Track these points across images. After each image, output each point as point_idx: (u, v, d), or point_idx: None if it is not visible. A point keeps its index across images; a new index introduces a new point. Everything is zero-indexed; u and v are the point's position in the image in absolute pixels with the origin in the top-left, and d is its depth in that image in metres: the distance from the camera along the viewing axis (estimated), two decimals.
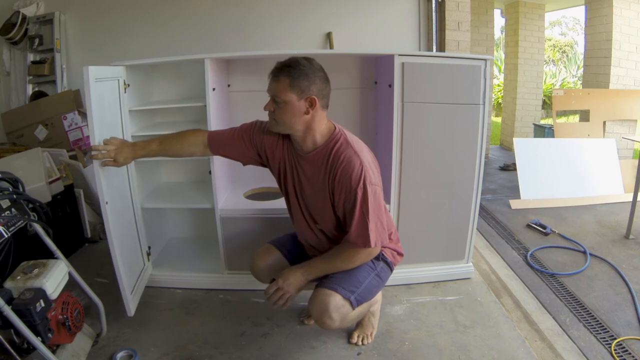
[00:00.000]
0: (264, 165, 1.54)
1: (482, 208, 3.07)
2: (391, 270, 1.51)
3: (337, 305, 1.33)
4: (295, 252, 1.60)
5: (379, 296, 1.61)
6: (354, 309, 1.36)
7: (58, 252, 1.48)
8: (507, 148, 5.45)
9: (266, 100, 2.42)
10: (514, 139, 3.55)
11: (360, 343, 1.60)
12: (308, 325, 1.74)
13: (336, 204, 1.35)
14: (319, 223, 1.46)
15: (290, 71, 1.29)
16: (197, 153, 1.54)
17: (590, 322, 1.75)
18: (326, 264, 1.39)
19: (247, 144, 1.50)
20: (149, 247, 1.99)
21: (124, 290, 1.59)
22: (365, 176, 1.27)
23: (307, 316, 1.77)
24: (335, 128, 1.40)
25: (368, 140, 2.28)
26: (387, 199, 1.94)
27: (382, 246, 1.40)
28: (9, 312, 1.16)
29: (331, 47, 3.25)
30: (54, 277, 1.34)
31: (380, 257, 1.46)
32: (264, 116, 2.36)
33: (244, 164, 1.57)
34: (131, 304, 1.63)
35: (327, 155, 1.35)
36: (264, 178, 2.34)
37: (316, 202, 1.42)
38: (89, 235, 2.57)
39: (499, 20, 6.96)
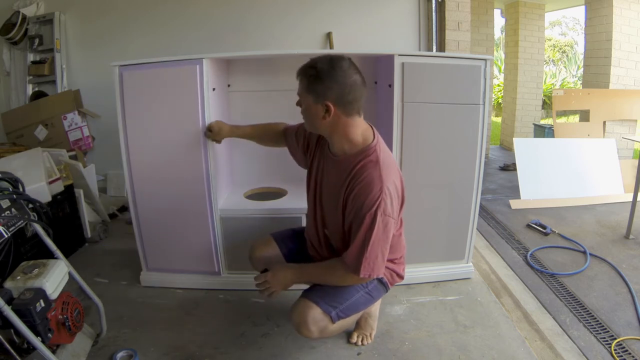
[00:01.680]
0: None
1: (482, 208, 3.07)
2: (386, 290, 1.47)
3: (316, 318, 1.31)
4: (294, 250, 1.60)
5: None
6: (333, 323, 1.35)
7: (58, 252, 1.47)
8: (507, 148, 5.45)
9: (266, 99, 2.44)
10: (514, 139, 3.55)
11: (360, 343, 1.60)
12: None
13: (346, 218, 1.30)
14: (328, 228, 1.43)
15: (307, 73, 1.25)
16: (280, 144, 1.67)
17: (590, 322, 1.75)
18: (317, 275, 1.38)
19: (297, 142, 1.57)
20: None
21: None
22: (379, 205, 1.20)
23: None
24: (373, 140, 1.31)
25: None
26: None
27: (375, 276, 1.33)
28: (9, 312, 1.16)
29: (331, 47, 3.25)
30: (54, 277, 1.34)
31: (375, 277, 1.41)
32: (264, 116, 2.37)
33: (304, 166, 1.59)
34: None
35: (351, 166, 1.28)
36: (264, 178, 2.35)
37: (330, 206, 1.39)
38: (89, 235, 2.57)
39: (499, 20, 6.96)
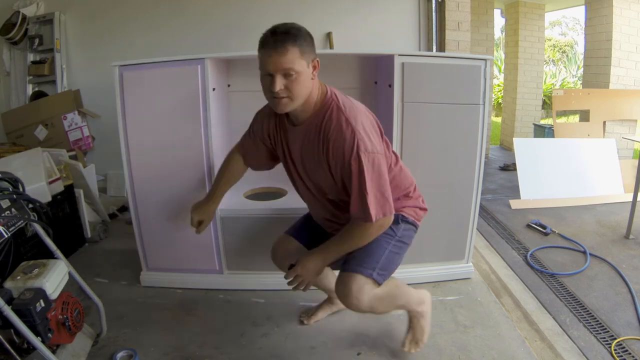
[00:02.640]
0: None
1: (482, 208, 3.07)
2: (416, 228, 1.43)
3: (360, 285, 1.27)
4: (313, 236, 1.52)
5: (427, 297, 1.53)
6: (379, 284, 1.30)
7: (58, 252, 1.47)
8: (507, 148, 5.45)
9: (266, 99, 2.42)
10: (514, 139, 3.55)
11: (412, 350, 1.51)
12: (308, 325, 1.74)
13: (335, 177, 1.26)
14: (328, 193, 1.36)
15: (296, 38, 1.16)
16: (246, 167, 1.62)
17: (590, 322, 1.75)
18: (341, 245, 1.32)
19: (260, 144, 1.50)
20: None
21: None
22: (358, 146, 1.17)
23: (307, 316, 1.76)
24: (327, 92, 1.28)
25: None
26: None
27: (395, 211, 1.29)
28: (9, 312, 1.16)
29: (331, 47, 3.25)
30: (54, 277, 1.34)
31: (400, 219, 1.37)
32: None
33: (279, 163, 1.52)
34: None
35: (318, 126, 1.25)
36: (264, 178, 2.34)
37: (317, 174, 1.33)
38: (89, 235, 2.57)
39: (499, 20, 6.96)
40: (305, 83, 1.21)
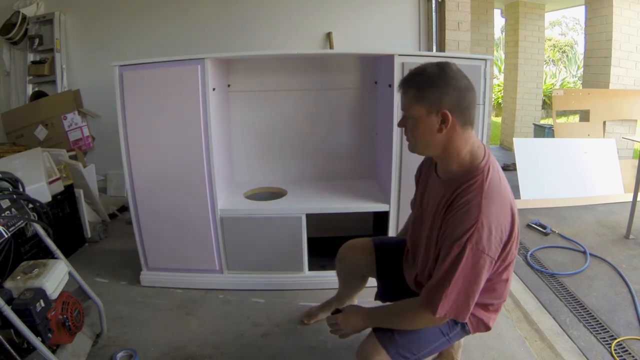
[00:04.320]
0: None
1: None
2: (465, 334, 1.27)
3: None
4: (389, 264, 1.44)
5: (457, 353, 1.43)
6: None
7: (58, 252, 1.48)
8: (507, 148, 5.44)
9: (266, 99, 2.43)
10: (514, 139, 3.55)
11: None
12: (308, 325, 1.74)
13: (437, 249, 1.14)
14: (421, 268, 1.25)
15: (417, 80, 1.09)
16: None
17: (590, 322, 1.75)
18: (388, 319, 1.21)
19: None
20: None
21: None
22: (471, 236, 1.02)
23: (307, 316, 1.76)
24: (482, 160, 1.11)
25: (368, 140, 2.30)
26: (387, 199, 1.94)
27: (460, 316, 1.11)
28: (9, 312, 1.16)
29: (331, 47, 3.25)
30: (54, 277, 1.34)
31: (460, 323, 1.22)
32: (264, 116, 2.37)
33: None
34: None
35: (453, 189, 1.11)
36: (264, 178, 2.35)
37: (428, 232, 1.21)
38: (89, 235, 2.57)
39: (499, 20, 6.96)
40: (425, 131, 1.10)
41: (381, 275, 1.48)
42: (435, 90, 1.07)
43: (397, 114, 1.83)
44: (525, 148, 3.42)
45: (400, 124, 1.15)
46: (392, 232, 1.97)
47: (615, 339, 1.63)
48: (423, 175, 1.34)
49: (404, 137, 1.85)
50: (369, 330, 1.25)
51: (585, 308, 1.85)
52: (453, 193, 1.10)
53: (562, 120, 6.54)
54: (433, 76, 1.07)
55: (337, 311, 1.34)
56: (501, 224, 1.06)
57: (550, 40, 11.05)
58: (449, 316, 1.07)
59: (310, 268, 2.03)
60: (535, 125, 4.91)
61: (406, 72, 1.78)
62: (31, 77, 3.36)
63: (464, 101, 1.08)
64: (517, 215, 1.10)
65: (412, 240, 1.34)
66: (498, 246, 1.06)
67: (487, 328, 1.25)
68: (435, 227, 1.15)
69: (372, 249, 1.48)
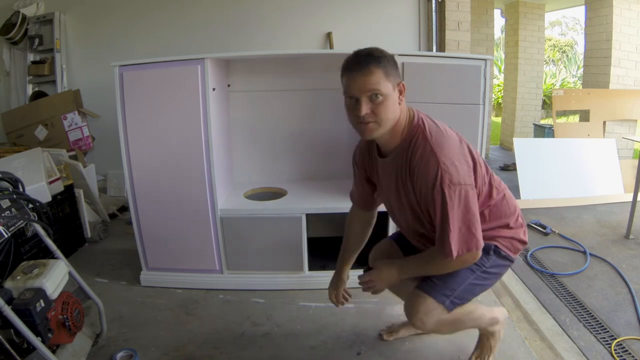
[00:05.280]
0: None
1: None
2: (511, 262, 1.32)
3: (428, 308, 1.23)
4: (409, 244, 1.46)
5: (501, 317, 1.44)
6: (449, 311, 1.24)
7: (58, 252, 1.47)
8: (507, 148, 5.44)
9: (266, 99, 2.42)
10: (514, 139, 3.55)
11: None
12: (308, 325, 1.74)
13: (423, 210, 1.20)
14: (419, 227, 1.30)
15: (380, 60, 1.13)
16: (373, 221, 1.51)
17: (590, 322, 1.75)
18: (420, 268, 1.27)
19: (362, 182, 1.42)
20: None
21: None
22: (442, 178, 1.09)
23: (388, 332, 1.66)
24: (414, 119, 1.20)
25: None
26: None
27: (488, 240, 1.22)
28: (9, 312, 1.16)
29: (331, 47, 3.25)
30: (54, 277, 1.34)
31: (492, 251, 1.27)
32: (264, 116, 2.37)
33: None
34: None
35: (404, 155, 1.18)
36: (264, 178, 2.35)
37: (407, 205, 1.26)
38: (89, 235, 2.57)
39: (499, 20, 6.96)
40: (392, 107, 1.14)
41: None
42: (394, 64, 1.15)
43: None
44: (525, 148, 3.42)
45: (365, 110, 1.12)
46: (392, 232, 1.97)
47: (615, 339, 1.63)
48: (367, 169, 1.38)
49: None
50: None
51: (585, 308, 1.85)
52: (406, 158, 1.17)
53: (562, 120, 6.54)
54: (388, 55, 1.16)
55: (368, 269, 1.35)
56: (459, 154, 1.15)
57: (550, 40, 11.05)
58: (464, 251, 1.14)
59: (310, 268, 2.03)
60: (535, 125, 4.91)
61: (406, 72, 1.81)
62: (31, 77, 3.36)
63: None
64: (465, 139, 1.22)
65: (402, 225, 1.39)
66: (469, 173, 1.15)
67: (522, 242, 1.32)
68: (411, 196, 1.21)
69: (396, 248, 1.49)
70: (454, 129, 1.23)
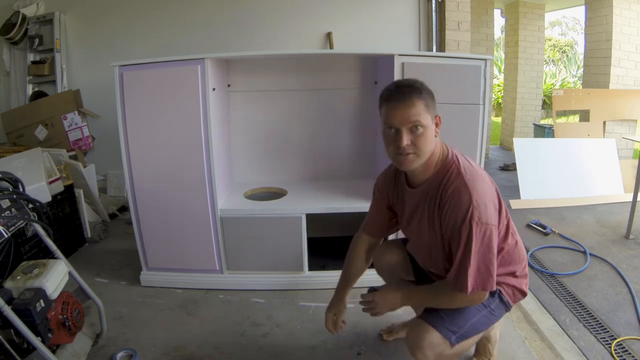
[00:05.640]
0: None
1: None
2: (507, 309, 1.32)
3: (433, 343, 1.20)
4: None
5: (498, 322, 1.42)
6: (452, 347, 1.23)
7: (58, 252, 1.48)
8: (507, 148, 5.44)
9: (266, 99, 2.42)
10: (514, 139, 3.55)
11: None
12: (308, 325, 1.74)
13: (445, 243, 1.20)
14: (433, 263, 1.30)
15: (421, 92, 1.15)
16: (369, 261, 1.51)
17: (590, 322, 1.75)
18: (428, 298, 1.26)
19: (382, 209, 1.41)
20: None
21: None
22: (472, 214, 1.10)
23: (388, 332, 1.68)
24: (448, 154, 1.23)
25: (368, 140, 2.30)
26: None
27: (496, 285, 1.20)
28: (9, 312, 1.16)
29: (331, 47, 3.25)
30: (54, 277, 1.34)
31: (496, 294, 1.28)
32: (264, 116, 2.37)
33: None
34: None
35: (436, 187, 1.19)
36: (264, 178, 2.35)
37: (429, 236, 1.26)
38: (89, 235, 2.57)
39: (499, 20, 6.96)
40: (431, 139, 1.16)
41: (418, 273, 1.46)
42: (432, 97, 1.17)
43: None
44: (525, 148, 3.42)
45: (405, 142, 1.13)
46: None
47: (615, 339, 1.63)
48: (391, 198, 1.38)
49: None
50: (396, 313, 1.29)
51: (585, 308, 1.85)
52: (438, 191, 1.18)
53: (562, 120, 6.54)
54: (427, 88, 1.18)
55: (373, 289, 1.34)
56: (489, 195, 1.18)
57: (550, 40, 11.05)
58: (478, 289, 1.14)
59: (310, 268, 2.03)
60: (535, 125, 4.91)
61: (406, 72, 1.81)
62: (31, 77, 3.36)
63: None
64: (493, 181, 1.24)
65: (417, 256, 1.38)
66: (495, 215, 1.17)
67: (522, 294, 1.32)
68: (435, 229, 1.21)
69: (404, 247, 1.48)
70: (482, 167, 1.26)
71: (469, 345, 1.33)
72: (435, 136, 1.19)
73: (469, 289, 1.13)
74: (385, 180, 1.39)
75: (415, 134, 1.14)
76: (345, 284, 1.48)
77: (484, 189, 1.16)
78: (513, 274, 1.30)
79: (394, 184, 1.35)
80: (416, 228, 1.29)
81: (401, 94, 1.14)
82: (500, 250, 1.23)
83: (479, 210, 1.11)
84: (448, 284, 1.18)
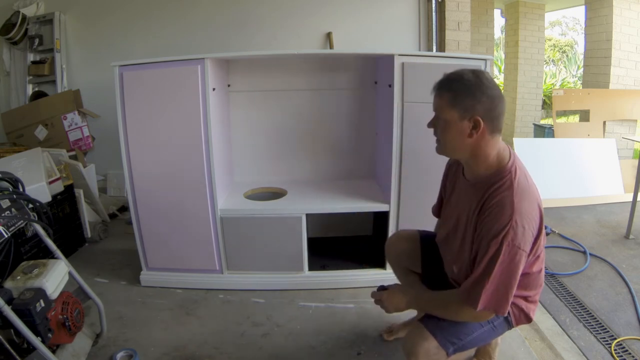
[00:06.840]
0: None
1: None
2: (509, 328, 1.29)
3: (429, 352, 1.18)
4: (433, 253, 1.45)
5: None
6: (448, 357, 1.21)
7: (58, 252, 1.48)
8: None
9: (266, 99, 2.42)
10: (514, 139, 3.55)
11: None
12: (308, 325, 1.74)
13: (474, 248, 1.17)
14: (456, 264, 1.28)
15: (453, 85, 1.14)
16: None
17: (590, 322, 1.75)
18: (432, 306, 1.24)
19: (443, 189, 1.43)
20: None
21: None
22: (507, 233, 1.06)
23: (388, 332, 1.68)
24: (509, 163, 1.17)
25: (368, 140, 2.30)
26: (387, 199, 1.94)
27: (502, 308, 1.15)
28: (9, 312, 1.16)
29: (331, 47, 3.25)
30: (54, 277, 1.34)
31: None
32: (264, 116, 2.37)
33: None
34: None
35: (484, 191, 1.15)
36: (264, 178, 2.35)
37: (462, 233, 1.24)
38: (89, 235, 2.57)
39: (499, 20, 6.96)
40: (453, 135, 1.16)
41: (426, 266, 1.46)
42: (471, 97, 1.12)
43: (397, 114, 1.83)
44: (525, 148, 3.43)
45: (430, 125, 1.21)
46: (392, 232, 1.97)
47: (615, 339, 1.63)
48: (450, 178, 1.38)
49: (404, 138, 1.86)
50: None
51: (585, 308, 1.85)
52: (484, 195, 1.15)
53: (562, 120, 6.54)
54: (469, 83, 1.12)
55: (383, 288, 1.35)
56: (532, 220, 1.11)
57: (550, 40, 11.05)
58: (489, 310, 1.11)
59: (310, 268, 2.03)
60: (535, 125, 4.91)
61: (406, 72, 1.81)
62: (31, 77, 3.36)
63: (496, 110, 1.14)
64: (543, 210, 1.15)
65: (443, 244, 1.37)
66: (530, 241, 1.11)
67: (528, 319, 1.28)
68: (469, 229, 1.19)
69: (418, 238, 1.49)
70: (536, 188, 1.19)
71: (464, 356, 1.33)
72: (469, 136, 1.14)
73: (480, 306, 1.09)
74: (450, 163, 1.41)
75: (437, 124, 1.18)
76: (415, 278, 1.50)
77: (529, 211, 1.10)
78: (526, 298, 1.26)
79: (457, 165, 1.35)
80: (456, 216, 1.28)
81: (437, 83, 1.19)
82: (523, 274, 1.17)
83: (515, 231, 1.07)
84: (458, 295, 1.15)
